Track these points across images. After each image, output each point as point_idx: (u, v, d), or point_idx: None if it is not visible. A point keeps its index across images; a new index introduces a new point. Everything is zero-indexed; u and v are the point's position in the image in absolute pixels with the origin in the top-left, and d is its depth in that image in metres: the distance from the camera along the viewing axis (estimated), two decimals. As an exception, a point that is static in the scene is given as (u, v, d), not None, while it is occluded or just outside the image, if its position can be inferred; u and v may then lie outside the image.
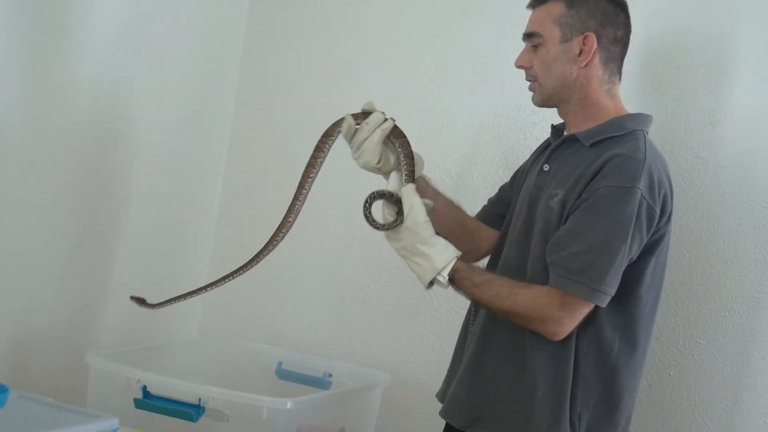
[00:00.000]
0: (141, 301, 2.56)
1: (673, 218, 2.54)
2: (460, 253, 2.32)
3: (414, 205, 2.31)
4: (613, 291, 2.20)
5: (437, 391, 2.59)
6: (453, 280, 2.30)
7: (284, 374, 3.11)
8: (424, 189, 2.49)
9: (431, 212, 2.38)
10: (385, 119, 2.40)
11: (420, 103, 3.22)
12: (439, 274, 2.28)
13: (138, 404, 2.55)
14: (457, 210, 2.63)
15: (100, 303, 3.16)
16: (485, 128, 3.04)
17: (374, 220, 2.33)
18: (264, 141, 3.46)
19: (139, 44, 3.14)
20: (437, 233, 2.32)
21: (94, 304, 3.14)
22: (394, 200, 2.32)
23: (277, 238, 2.48)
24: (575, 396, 2.28)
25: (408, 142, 2.39)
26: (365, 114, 2.40)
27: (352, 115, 2.40)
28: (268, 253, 2.51)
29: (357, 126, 2.39)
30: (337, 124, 2.41)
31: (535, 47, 2.38)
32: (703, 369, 2.76)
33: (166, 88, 3.29)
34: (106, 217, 3.14)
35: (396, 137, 2.39)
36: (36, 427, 2.09)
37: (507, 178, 2.71)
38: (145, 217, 3.28)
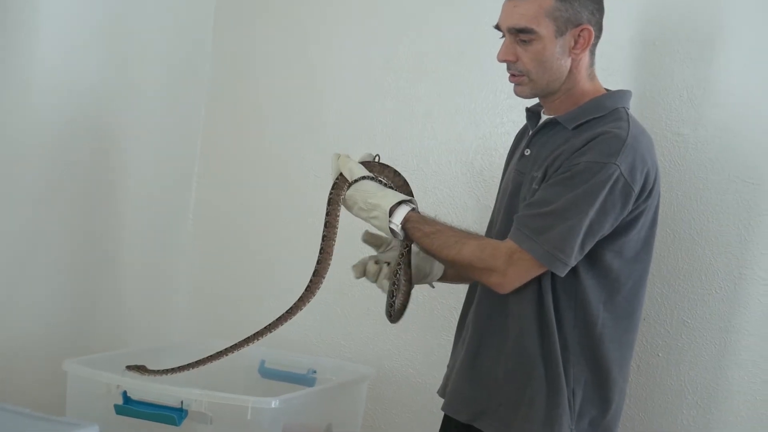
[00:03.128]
0: (140, 369, 2.52)
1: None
2: (407, 199, 2.31)
3: (351, 168, 2.34)
4: (569, 259, 2.15)
5: (423, 383, 2.69)
6: (405, 230, 2.27)
7: (267, 373, 3.06)
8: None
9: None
10: (381, 267, 2.41)
11: (397, 92, 3.16)
12: (391, 222, 2.25)
13: (119, 410, 2.48)
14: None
15: (80, 310, 3.09)
16: (462, 113, 2.97)
17: None
18: (236, 141, 3.40)
19: (114, 49, 3.08)
20: (387, 185, 2.35)
21: (73, 311, 3.07)
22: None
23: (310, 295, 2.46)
24: (567, 372, 2.24)
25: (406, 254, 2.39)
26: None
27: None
28: (302, 306, 2.48)
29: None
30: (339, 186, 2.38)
31: (525, 42, 2.29)
32: (691, 348, 2.73)
33: (139, 91, 3.22)
34: (84, 225, 3.07)
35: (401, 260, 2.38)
36: None
37: (486, 165, 2.75)
38: (123, 222, 3.22)
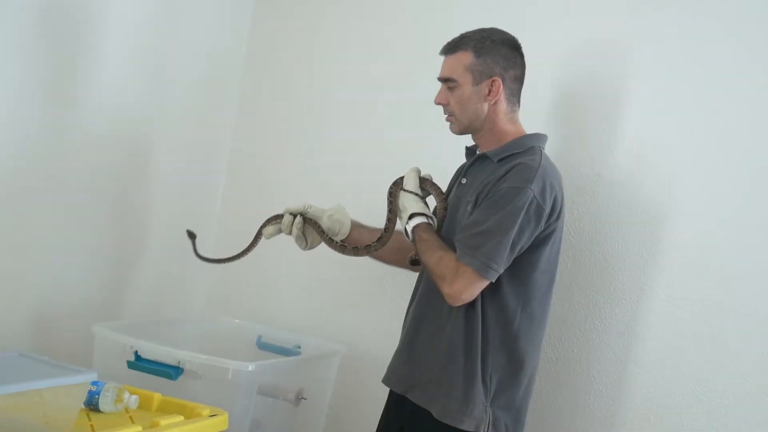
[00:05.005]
0: (192, 236, 2.73)
1: (577, 223, 2.65)
2: (427, 214, 2.43)
3: (410, 179, 2.48)
4: (499, 267, 2.26)
5: (387, 362, 2.61)
6: (413, 233, 2.38)
7: (263, 346, 3.14)
8: (359, 233, 2.65)
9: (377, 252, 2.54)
10: (295, 217, 2.58)
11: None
12: (407, 224, 2.39)
13: (130, 365, 2.60)
14: (396, 238, 2.63)
15: (111, 285, 3.16)
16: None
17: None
18: (260, 152, 3.46)
19: (148, 66, 3.14)
20: (423, 199, 2.46)
21: (106, 285, 3.14)
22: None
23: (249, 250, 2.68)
24: (485, 361, 2.33)
25: (320, 227, 2.57)
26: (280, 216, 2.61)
27: (275, 216, 2.62)
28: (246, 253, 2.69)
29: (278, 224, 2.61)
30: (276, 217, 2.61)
31: (451, 89, 2.42)
32: (599, 347, 2.78)
33: (172, 104, 3.28)
34: (120, 214, 3.15)
35: (309, 223, 2.57)
36: (27, 377, 2.05)
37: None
38: (154, 213, 3.29)
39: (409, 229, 2.39)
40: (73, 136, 2.87)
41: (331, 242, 2.53)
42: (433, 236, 2.40)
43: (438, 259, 2.33)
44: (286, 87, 3.51)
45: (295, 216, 2.57)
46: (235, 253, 2.66)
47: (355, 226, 2.63)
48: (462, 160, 2.57)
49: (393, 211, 2.48)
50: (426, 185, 2.49)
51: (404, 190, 2.46)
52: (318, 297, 3.32)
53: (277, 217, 2.59)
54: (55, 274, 2.88)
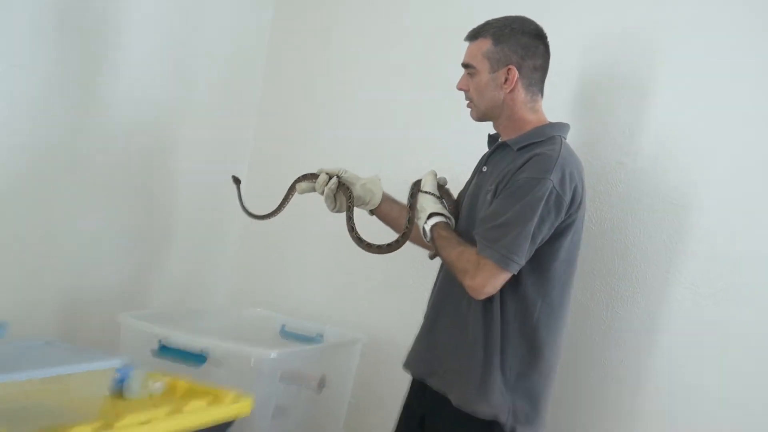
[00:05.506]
0: (236, 181, 2.76)
1: (598, 212, 2.62)
2: (444, 214, 2.44)
3: (428, 181, 2.50)
4: (521, 260, 2.25)
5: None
6: (431, 231, 2.40)
7: (286, 335, 3.17)
8: (390, 207, 2.65)
9: (395, 223, 2.60)
10: (330, 178, 2.58)
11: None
12: (426, 223, 2.40)
13: (156, 354, 2.63)
14: None
15: (137, 275, 3.20)
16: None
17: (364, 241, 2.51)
18: (279, 150, 3.49)
19: (170, 64, 3.17)
20: (441, 201, 2.49)
21: (132, 275, 3.18)
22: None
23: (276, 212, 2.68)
24: (505, 350, 2.33)
25: (351, 195, 2.57)
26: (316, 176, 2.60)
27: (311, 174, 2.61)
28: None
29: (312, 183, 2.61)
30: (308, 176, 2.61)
31: (471, 75, 2.44)
32: (621, 335, 2.79)
33: (196, 101, 3.32)
34: (147, 207, 3.19)
35: (342, 188, 2.57)
36: (51, 362, 2.06)
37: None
38: (178, 206, 3.32)
39: (427, 228, 2.41)
40: (100, 132, 2.90)
41: (349, 221, 2.53)
42: (452, 233, 2.42)
43: (459, 254, 2.35)
44: (305, 85, 3.54)
45: (330, 177, 2.57)
46: (271, 210, 2.70)
47: (386, 198, 2.62)
48: (485, 148, 2.58)
49: (413, 215, 2.51)
50: (440, 190, 2.52)
51: (423, 192, 2.48)
52: (340, 287, 3.34)
53: (312, 176, 2.60)
54: (82, 264, 2.92)
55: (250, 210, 2.73)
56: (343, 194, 2.56)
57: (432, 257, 2.58)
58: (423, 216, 2.43)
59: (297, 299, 3.49)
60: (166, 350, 2.63)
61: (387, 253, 2.49)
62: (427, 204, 2.44)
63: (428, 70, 3.22)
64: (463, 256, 2.33)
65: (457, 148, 2.99)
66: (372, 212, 2.66)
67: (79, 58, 2.78)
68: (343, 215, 2.57)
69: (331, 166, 2.59)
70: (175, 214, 3.32)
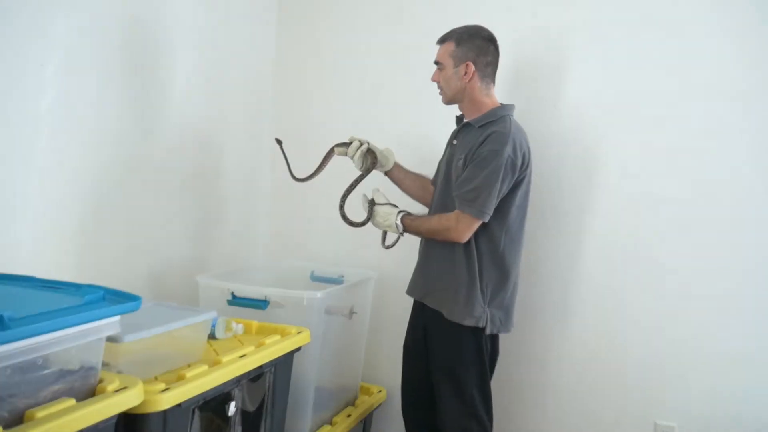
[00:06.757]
0: (279, 143, 2.92)
1: (533, 168, 2.77)
2: (402, 210, 2.68)
3: (381, 196, 2.71)
4: (490, 211, 2.50)
5: (407, 283, 2.88)
6: (402, 223, 2.66)
7: (315, 278, 3.37)
8: (399, 171, 2.89)
9: (401, 183, 2.85)
10: (361, 144, 2.78)
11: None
12: (396, 220, 2.66)
13: (229, 303, 2.75)
14: (421, 179, 2.92)
15: (203, 247, 3.36)
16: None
17: (348, 218, 2.77)
18: (290, 147, 3.24)
19: (204, 81, 3.27)
20: (391, 204, 2.70)
21: (200, 247, 3.33)
22: (368, 203, 2.73)
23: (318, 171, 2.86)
24: (482, 273, 2.59)
25: (376, 158, 2.77)
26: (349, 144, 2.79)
27: (344, 143, 2.79)
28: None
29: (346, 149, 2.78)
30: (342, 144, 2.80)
31: (440, 70, 2.67)
32: (554, 253, 3.09)
33: (227, 107, 3.46)
34: (201, 196, 3.33)
35: (369, 153, 2.78)
36: (167, 319, 2.13)
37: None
38: (224, 193, 3.49)
39: (398, 222, 2.62)
40: (162, 138, 3.02)
41: (353, 187, 2.76)
42: (418, 216, 2.63)
43: (437, 220, 2.57)
44: (305, 92, 3.69)
45: (361, 144, 2.75)
46: (311, 172, 2.85)
47: (397, 165, 2.86)
48: (453, 125, 2.80)
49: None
50: (371, 156, 2.76)
51: (378, 204, 2.68)
52: (354, 238, 3.42)
53: (345, 145, 2.77)
54: (157, 243, 3.06)
55: (293, 171, 2.87)
56: (369, 157, 2.76)
57: (387, 247, 2.81)
58: (392, 217, 2.63)
59: (320, 250, 3.64)
60: (237, 300, 2.73)
61: (354, 227, 2.73)
62: (388, 209, 2.65)
63: (412, 67, 3.37)
64: (441, 220, 2.55)
65: (433, 125, 3.17)
66: (386, 173, 2.86)
67: (142, 85, 2.88)
68: (349, 205, 2.72)
69: (358, 135, 2.80)
70: (222, 198, 3.46)
